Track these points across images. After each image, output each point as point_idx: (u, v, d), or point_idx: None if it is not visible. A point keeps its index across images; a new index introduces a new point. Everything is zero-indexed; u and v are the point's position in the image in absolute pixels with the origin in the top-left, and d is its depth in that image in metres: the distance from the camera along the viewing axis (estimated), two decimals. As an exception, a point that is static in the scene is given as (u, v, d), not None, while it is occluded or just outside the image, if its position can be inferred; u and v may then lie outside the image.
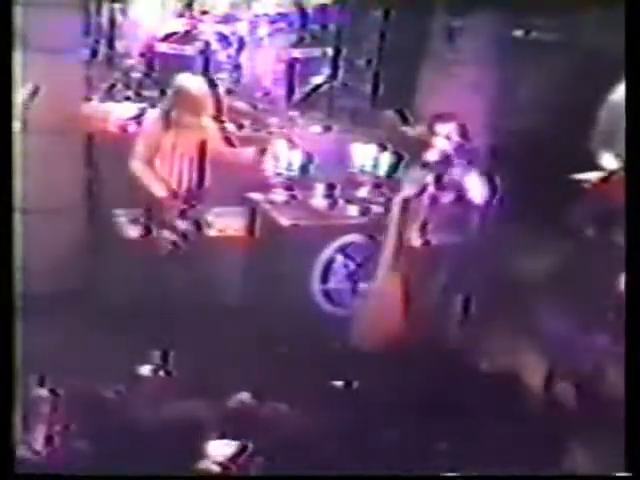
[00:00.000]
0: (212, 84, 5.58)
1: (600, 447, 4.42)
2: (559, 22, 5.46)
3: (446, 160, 5.38)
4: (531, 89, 5.44)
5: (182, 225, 5.52)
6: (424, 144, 5.43)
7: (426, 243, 5.38)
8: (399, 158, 5.57)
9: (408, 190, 5.40)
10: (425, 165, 5.39)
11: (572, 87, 5.34)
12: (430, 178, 5.37)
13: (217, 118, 5.59)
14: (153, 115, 5.60)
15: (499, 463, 4.34)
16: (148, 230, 5.49)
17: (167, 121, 5.54)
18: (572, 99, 5.33)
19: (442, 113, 5.42)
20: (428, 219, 5.39)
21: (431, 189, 5.38)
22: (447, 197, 5.39)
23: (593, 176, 5.13)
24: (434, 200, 5.39)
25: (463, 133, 5.36)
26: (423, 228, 5.38)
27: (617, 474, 3.96)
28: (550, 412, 4.94)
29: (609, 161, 5.13)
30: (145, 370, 4.96)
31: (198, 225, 5.53)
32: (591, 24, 5.27)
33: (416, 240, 5.39)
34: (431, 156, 5.38)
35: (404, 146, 5.57)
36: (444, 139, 5.36)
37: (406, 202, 5.38)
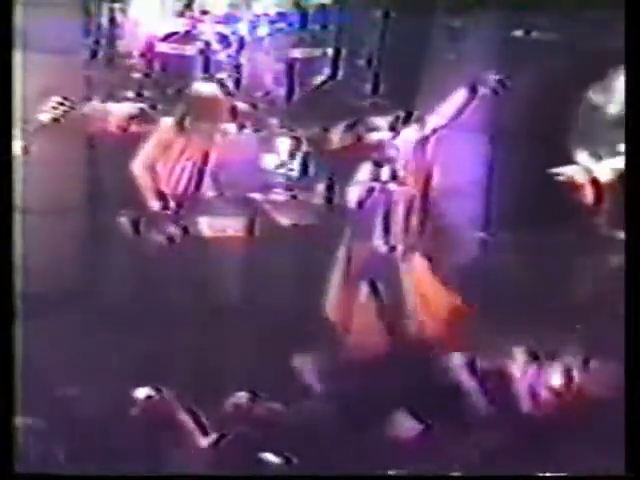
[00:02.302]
0: (226, 90, 5.62)
1: (600, 447, 4.42)
2: (559, 22, 5.47)
3: (396, 153, 5.36)
4: (531, 89, 5.43)
5: (174, 230, 5.53)
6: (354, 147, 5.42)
7: (392, 249, 5.35)
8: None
9: (357, 193, 5.38)
10: (377, 163, 5.36)
11: (572, 87, 5.35)
12: (385, 174, 5.33)
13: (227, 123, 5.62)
14: (168, 122, 5.63)
15: (498, 463, 4.35)
16: (147, 230, 5.49)
17: (181, 128, 5.58)
18: (573, 99, 5.34)
19: (377, 105, 5.41)
20: (391, 222, 5.35)
21: (390, 186, 5.34)
22: (408, 193, 5.36)
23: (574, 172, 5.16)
24: (393, 199, 5.36)
25: (406, 121, 5.34)
26: (387, 232, 5.34)
27: (617, 474, 3.96)
28: (550, 412, 4.93)
29: (585, 159, 5.16)
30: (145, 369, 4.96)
31: (195, 227, 5.53)
32: (591, 24, 5.28)
33: (381, 247, 5.37)
34: (385, 152, 5.36)
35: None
36: (388, 132, 5.34)
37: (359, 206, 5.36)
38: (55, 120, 5.19)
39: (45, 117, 5.17)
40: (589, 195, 5.14)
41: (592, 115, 5.23)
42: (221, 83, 5.65)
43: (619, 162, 5.10)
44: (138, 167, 5.53)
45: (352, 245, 5.42)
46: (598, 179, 5.13)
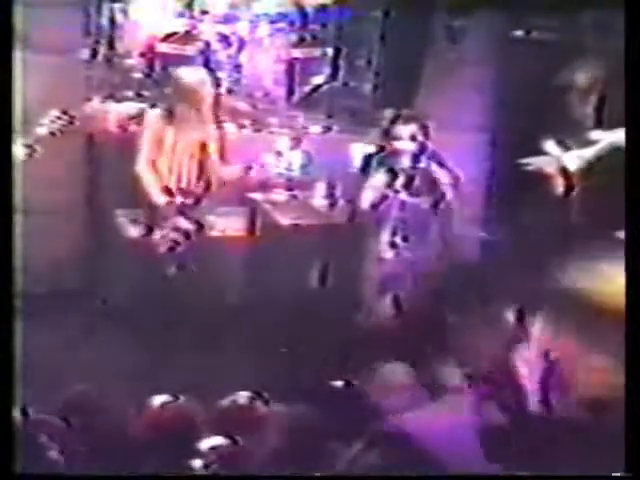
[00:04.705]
0: (211, 75, 5.59)
1: (600, 447, 4.42)
2: (559, 22, 5.48)
3: (415, 162, 5.37)
4: (531, 89, 5.44)
5: (183, 224, 5.51)
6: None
7: (397, 254, 5.36)
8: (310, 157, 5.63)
9: (372, 197, 5.39)
10: (391, 170, 5.36)
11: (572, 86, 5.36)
12: (399, 183, 5.34)
13: (216, 112, 5.59)
14: (155, 114, 5.60)
15: (499, 462, 4.34)
16: (149, 230, 5.49)
17: (169, 118, 5.55)
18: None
19: (400, 115, 5.42)
20: (398, 227, 5.36)
21: (402, 195, 5.36)
22: (421, 201, 5.38)
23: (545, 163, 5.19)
24: (405, 206, 5.37)
25: (426, 132, 5.35)
26: (393, 237, 5.36)
27: (617, 474, 3.95)
28: (550, 411, 4.93)
29: (552, 148, 5.18)
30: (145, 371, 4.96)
31: (199, 225, 5.52)
32: (591, 24, 5.29)
33: (387, 252, 5.38)
34: (402, 161, 5.37)
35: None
36: (409, 141, 5.35)
37: (371, 210, 5.38)
38: (52, 134, 5.19)
39: (43, 130, 5.18)
40: (559, 185, 5.16)
41: (563, 105, 5.27)
42: (207, 70, 5.62)
43: (588, 151, 5.14)
44: (141, 166, 5.52)
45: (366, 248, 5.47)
46: (568, 169, 5.15)
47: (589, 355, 4.48)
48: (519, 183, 5.28)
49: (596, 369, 4.44)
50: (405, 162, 5.36)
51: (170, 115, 5.53)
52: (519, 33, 5.47)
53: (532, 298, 5.05)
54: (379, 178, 5.39)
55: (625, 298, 4.10)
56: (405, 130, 5.34)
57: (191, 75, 5.56)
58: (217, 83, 5.70)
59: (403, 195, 5.35)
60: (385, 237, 5.39)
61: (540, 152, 5.27)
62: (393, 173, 5.34)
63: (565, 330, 4.77)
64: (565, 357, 4.52)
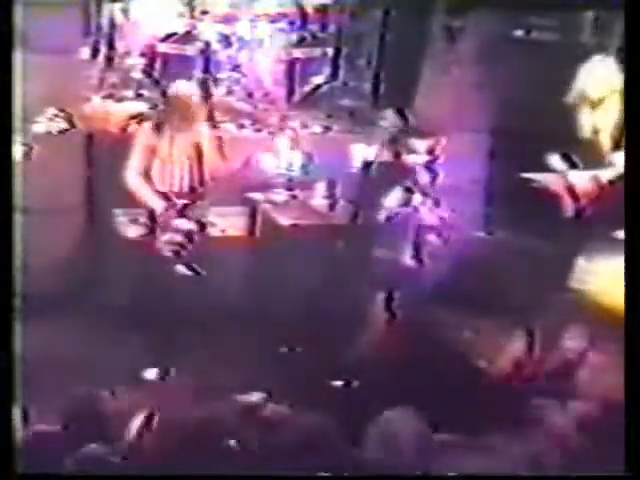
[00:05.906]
0: (205, 90, 5.61)
1: (600, 447, 4.42)
2: (559, 22, 5.48)
3: (433, 175, 5.39)
4: (531, 89, 5.44)
5: (185, 225, 5.51)
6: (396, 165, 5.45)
7: (420, 263, 5.38)
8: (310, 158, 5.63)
9: (387, 214, 5.41)
10: (408, 189, 5.39)
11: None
12: (418, 198, 5.37)
13: (210, 123, 5.61)
14: (146, 126, 5.62)
15: (499, 462, 4.35)
16: (149, 230, 5.49)
17: (160, 129, 5.57)
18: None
19: (416, 129, 5.44)
20: (420, 240, 5.39)
21: (423, 209, 5.38)
22: (438, 213, 5.40)
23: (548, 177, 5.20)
24: (423, 219, 5.40)
25: (444, 146, 5.37)
26: (417, 250, 5.37)
27: (617, 474, 3.96)
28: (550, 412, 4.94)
29: (557, 162, 5.18)
30: (145, 371, 4.97)
31: (202, 225, 5.53)
32: (591, 24, 5.29)
33: (410, 262, 5.40)
34: (419, 177, 5.39)
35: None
36: (425, 155, 5.37)
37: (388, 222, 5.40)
38: (51, 134, 5.20)
39: (42, 130, 5.18)
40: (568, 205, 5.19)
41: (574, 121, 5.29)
42: (202, 85, 5.64)
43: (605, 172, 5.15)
44: (132, 179, 5.53)
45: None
46: (575, 188, 5.17)
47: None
48: (517, 188, 5.29)
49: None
50: (421, 177, 5.40)
51: (161, 126, 5.56)
52: (519, 33, 5.47)
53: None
54: (394, 196, 5.43)
55: (625, 298, 4.11)
56: (421, 144, 5.38)
57: (184, 90, 5.58)
58: (215, 84, 5.72)
59: (423, 210, 5.39)
60: (393, 240, 5.41)
61: (540, 154, 5.27)
62: (409, 192, 5.38)
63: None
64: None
